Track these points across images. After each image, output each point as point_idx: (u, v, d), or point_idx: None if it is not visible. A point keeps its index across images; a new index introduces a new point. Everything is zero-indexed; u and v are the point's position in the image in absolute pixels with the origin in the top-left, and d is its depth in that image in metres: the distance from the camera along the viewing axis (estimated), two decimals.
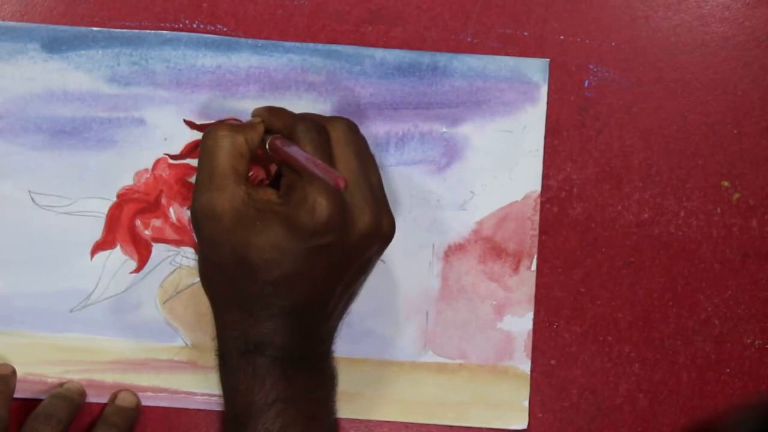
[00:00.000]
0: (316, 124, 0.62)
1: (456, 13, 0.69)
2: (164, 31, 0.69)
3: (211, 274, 0.63)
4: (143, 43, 0.69)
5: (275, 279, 0.60)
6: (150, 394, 0.68)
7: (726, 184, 0.70)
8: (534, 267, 0.69)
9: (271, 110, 0.64)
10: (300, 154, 0.59)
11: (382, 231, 0.62)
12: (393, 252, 0.69)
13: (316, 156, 0.60)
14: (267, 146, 0.62)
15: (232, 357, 0.61)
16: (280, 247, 0.59)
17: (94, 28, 0.69)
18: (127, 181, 0.69)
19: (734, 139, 0.70)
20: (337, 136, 0.62)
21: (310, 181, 0.59)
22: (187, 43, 0.69)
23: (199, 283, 0.64)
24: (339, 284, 0.62)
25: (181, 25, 0.69)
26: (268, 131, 0.63)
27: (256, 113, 0.64)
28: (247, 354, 0.61)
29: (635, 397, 0.69)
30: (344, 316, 0.65)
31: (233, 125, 0.63)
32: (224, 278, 0.61)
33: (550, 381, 0.69)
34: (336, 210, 0.59)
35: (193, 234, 0.63)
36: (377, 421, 0.69)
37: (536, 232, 0.69)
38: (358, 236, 0.61)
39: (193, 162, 0.69)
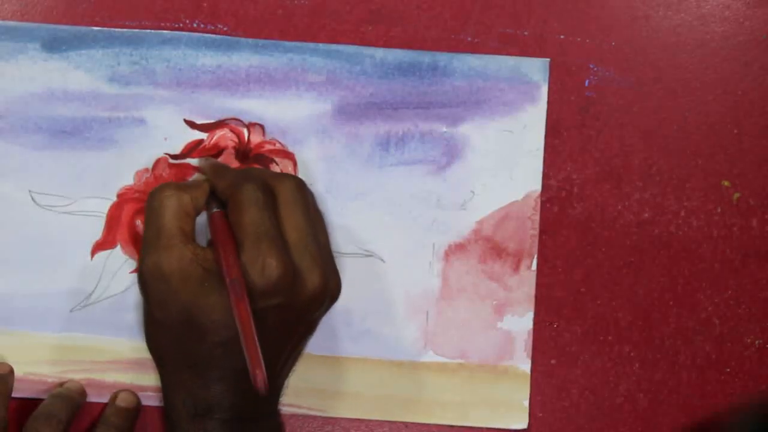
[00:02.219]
0: (262, 183, 0.61)
1: (456, 13, 0.69)
2: (164, 31, 0.69)
3: (159, 334, 0.62)
4: (143, 43, 0.69)
5: (224, 340, 0.59)
6: (150, 394, 0.68)
7: (726, 184, 0.70)
8: (534, 267, 0.69)
9: (216, 168, 0.63)
10: (233, 269, 0.58)
11: (330, 291, 0.62)
12: (393, 252, 0.69)
13: (263, 216, 0.59)
14: (207, 215, 0.62)
15: (182, 421, 0.60)
16: (228, 309, 0.58)
17: (94, 28, 0.69)
18: (128, 180, 0.69)
19: (734, 139, 0.70)
20: (285, 196, 0.61)
21: (257, 241, 0.58)
22: (187, 43, 0.69)
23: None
24: (288, 344, 0.62)
25: (181, 25, 0.69)
26: (212, 191, 0.62)
27: (202, 168, 0.64)
28: (197, 418, 0.60)
29: (635, 397, 0.69)
30: (290, 374, 0.64)
31: (179, 185, 0.62)
32: (172, 339, 0.60)
33: (550, 381, 0.69)
34: (286, 271, 0.58)
35: (141, 294, 0.62)
36: (377, 421, 0.69)
37: (536, 232, 0.69)
38: (306, 297, 0.60)
39: (194, 162, 0.69)
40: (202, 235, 0.64)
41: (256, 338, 0.56)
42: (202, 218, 0.63)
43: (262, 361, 0.55)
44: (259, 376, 0.55)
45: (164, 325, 0.60)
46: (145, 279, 0.60)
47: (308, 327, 0.63)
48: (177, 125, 0.69)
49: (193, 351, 0.60)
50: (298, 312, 0.61)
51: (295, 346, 0.63)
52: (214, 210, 0.62)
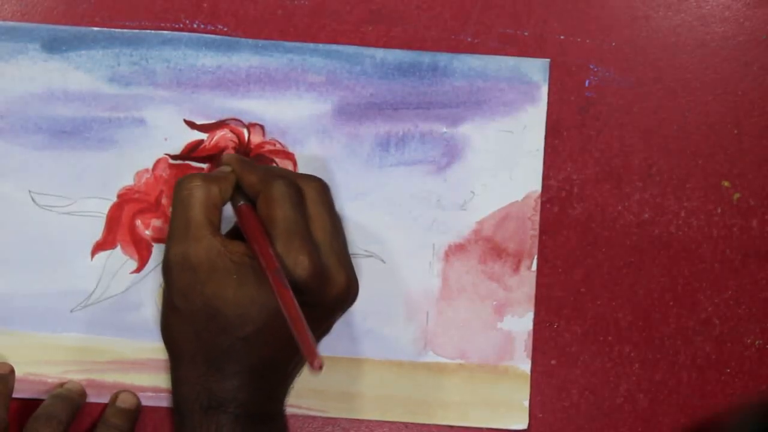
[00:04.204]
0: (292, 181, 0.61)
1: (456, 13, 0.69)
2: (164, 31, 0.69)
3: (178, 325, 0.61)
4: (143, 43, 0.69)
5: (247, 334, 0.59)
6: (150, 394, 0.68)
7: (726, 184, 0.70)
8: (534, 267, 0.69)
9: (242, 163, 0.63)
10: (267, 254, 0.57)
11: (352, 294, 0.62)
12: (393, 252, 0.69)
13: (296, 213, 0.59)
14: (234, 208, 0.62)
15: (194, 415, 0.60)
16: (256, 303, 0.58)
17: (95, 28, 0.69)
18: (128, 181, 0.69)
19: (734, 139, 0.70)
20: (312, 196, 0.61)
21: (290, 238, 0.58)
22: (187, 43, 0.69)
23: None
24: None
25: (181, 25, 0.69)
26: (238, 185, 0.62)
27: (227, 161, 0.63)
28: (210, 411, 0.59)
29: (635, 397, 0.69)
30: (297, 376, 0.64)
31: (206, 176, 0.62)
32: (192, 331, 0.60)
33: (550, 381, 0.69)
34: (316, 269, 0.58)
35: (164, 283, 0.61)
36: (377, 421, 0.69)
37: (536, 232, 0.69)
38: (332, 298, 0.60)
39: (194, 162, 0.69)
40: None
41: (305, 323, 0.55)
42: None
43: (316, 345, 0.54)
44: (316, 362, 0.53)
45: (185, 316, 0.60)
46: (171, 268, 0.60)
47: (326, 328, 0.63)
48: (177, 125, 0.69)
49: (214, 344, 0.59)
50: (322, 312, 0.61)
51: None
52: (242, 203, 0.61)
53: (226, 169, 0.63)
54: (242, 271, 0.59)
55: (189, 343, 0.60)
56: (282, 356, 0.60)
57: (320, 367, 0.53)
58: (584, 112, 0.70)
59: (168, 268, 0.60)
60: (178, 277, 0.60)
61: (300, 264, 0.58)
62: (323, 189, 0.62)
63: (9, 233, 0.68)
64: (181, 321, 0.61)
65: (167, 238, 0.61)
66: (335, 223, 0.62)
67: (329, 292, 0.60)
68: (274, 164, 0.68)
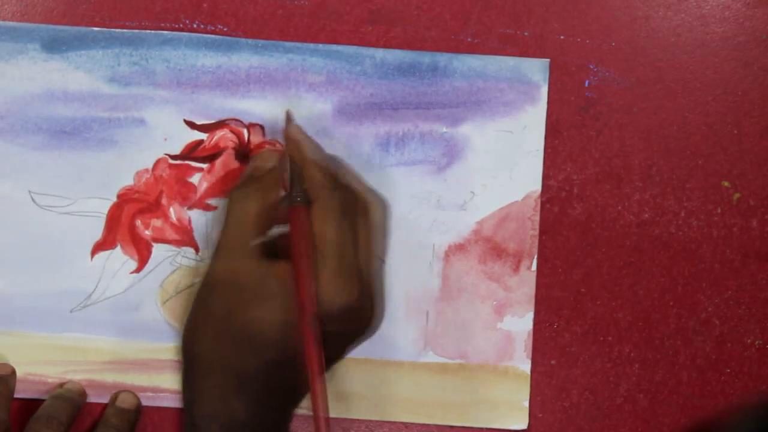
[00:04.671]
0: (357, 197, 0.59)
1: (456, 13, 0.69)
2: (164, 31, 0.69)
3: (210, 341, 0.59)
4: (143, 43, 0.69)
5: (279, 359, 0.58)
6: (150, 394, 0.68)
7: (726, 184, 0.70)
8: (534, 267, 0.69)
9: (310, 150, 0.60)
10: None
11: (374, 327, 0.61)
12: (393, 252, 0.69)
13: (349, 237, 0.56)
14: (287, 204, 0.59)
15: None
16: (290, 328, 0.57)
17: (94, 28, 0.69)
18: (128, 181, 0.69)
19: (734, 139, 0.70)
20: (373, 219, 0.59)
21: (338, 263, 0.56)
22: (187, 43, 0.69)
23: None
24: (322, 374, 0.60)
25: (181, 25, 0.69)
26: (293, 168, 0.60)
27: (291, 139, 0.60)
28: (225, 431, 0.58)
29: (635, 397, 0.69)
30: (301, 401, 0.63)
31: (260, 186, 0.59)
32: (223, 347, 0.58)
33: (550, 381, 0.69)
34: (357, 302, 0.57)
35: (198, 293, 0.59)
36: (377, 421, 0.69)
37: (536, 232, 0.69)
38: (361, 329, 0.60)
39: (194, 162, 0.69)
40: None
41: (326, 394, 0.55)
42: None
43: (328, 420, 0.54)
44: None
45: (220, 333, 0.58)
46: (215, 284, 0.59)
47: (342, 356, 0.62)
48: (177, 125, 0.69)
49: (243, 365, 0.58)
50: (347, 341, 0.60)
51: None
52: (297, 202, 0.58)
53: (272, 158, 0.60)
54: (287, 297, 0.57)
55: (217, 361, 0.59)
56: (297, 384, 0.59)
57: None
58: (584, 112, 0.70)
59: (212, 284, 0.59)
60: (220, 294, 0.58)
61: (340, 294, 0.57)
62: (387, 214, 0.61)
63: (9, 233, 0.68)
64: (213, 337, 0.59)
65: (215, 251, 0.59)
66: (383, 248, 0.60)
67: (360, 323, 0.59)
68: None
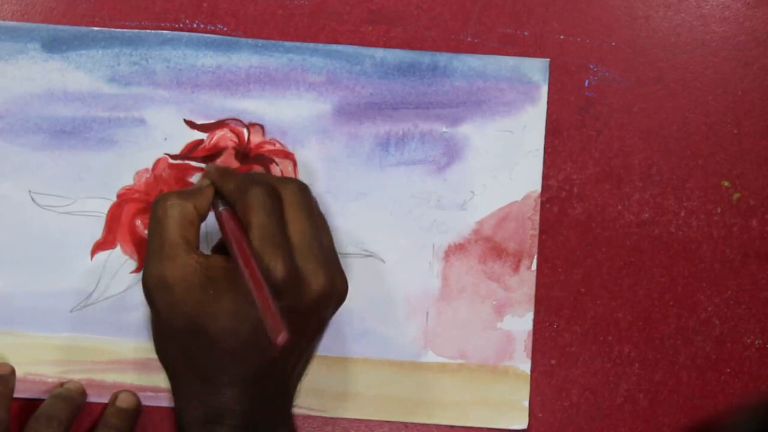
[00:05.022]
0: (267, 187, 0.61)
1: (456, 13, 0.69)
2: (164, 31, 0.69)
3: (167, 345, 0.61)
4: (143, 43, 0.69)
5: (233, 347, 0.59)
6: (150, 394, 0.68)
7: (726, 184, 0.70)
8: (534, 267, 0.69)
9: (222, 172, 0.63)
10: (245, 256, 0.58)
11: (336, 292, 0.62)
12: (393, 252, 0.69)
13: (270, 220, 0.59)
14: (216, 214, 0.62)
15: (193, 429, 0.60)
16: (236, 315, 0.58)
17: (94, 28, 0.69)
18: (127, 181, 0.69)
19: (734, 139, 0.70)
20: (289, 199, 0.61)
21: (263, 244, 0.58)
22: (187, 43, 0.69)
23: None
24: (296, 348, 0.61)
25: (181, 25, 0.69)
26: (218, 193, 0.62)
27: (207, 173, 0.64)
28: (209, 425, 0.59)
29: (635, 397, 0.69)
30: (302, 378, 0.64)
31: (181, 193, 0.62)
32: (181, 349, 0.60)
33: (550, 381, 0.69)
34: (290, 273, 0.58)
35: (148, 305, 0.61)
36: (377, 421, 0.69)
37: (536, 232, 0.69)
38: (311, 299, 0.60)
39: (193, 162, 0.69)
40: (204, 243, 0.64)
41: (270, 296, 0.56)
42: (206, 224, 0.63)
43: (282, 319, 0.55)
44: (281, 337, 0.54)
45: (172, 335, 0.60)
46: (150, 289, 0.60)
47: (316, 329, 0.63)
48: (177, 125, 0.69)
49: (202, 359, 0.59)
50: (304, 314, 0.61)
51: (304, 349, 0.63)
52: (222, 208, 0.62)
53: (205, 182, 0.63)
54: (220, 285, 0.59)
55: (180, 361, 0.60)
56: (274, 364, 0.60)
57: (285, 342, 0.54)
58: (584, 112, 0.70)
59: (147, 290, 0.60)
60: (159, 298, 0.60)
61: (273, 268, 0.58)
62: (300, 191, 0.62)
63: (9, 233, 0.68)
64: (168, 340, 0.61)
65: (144, 260, 0.61)
66: (314, 224, 0.61)
67: (307, 294, 0.60)
68: (275, 164, 0.68)
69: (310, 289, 0.60)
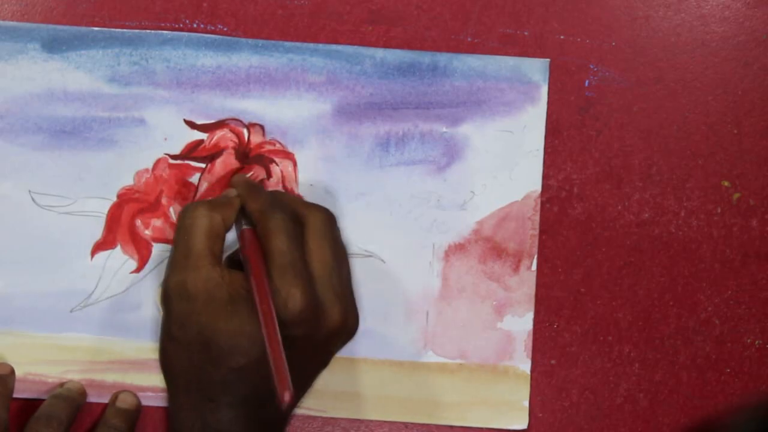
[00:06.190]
0: (292, 212, 0.61)
1: (456, 13, 0.69)
2: (164, 31, 0.69)
3: (174, 353, 0.61)
4: (143, 43, 0.69)
5: (240, 366, 0.59)
6: (150, 394, 0.68)
7: (726, 184, 0.70)
8: (534, 267, 0.69)
9: (250, 188, 0.63)
10: (262, 287, 0.58)
11: (349, 327, 0.62)
12: (393, 252, 0.69)
13: (291, 247, 0.59)
14: (237, 232, 0.62)
15: None
16: (248, 335, 0.58)
17: (94, 28, 0.69)
18: (128, 181, 0.69)
19: (734, 139, 0.70)
20: (314, 228, 0.61)
21: (283, 271, 0.59)
22: (187, 43, 0.69)
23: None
24: (301, 377, 0.61)
25: (181, 25, 0.69)
26: (243, 208, 0.63)
27: (234, 183, 0.64)
28: None
29: (635, 397, 0.69)
30: (298, 406, 0.64)
31: (211, 203, 0.62)
32: (187, 359, 0.60)
33: (550, 381, 0.69)
34: (309, 304, 0.58)
35: (161, 311, 0.61)
36: (377, 421, 0.69)
37: (536, 232, 0.69)
38: (326, 331, 0.60)
39: (193, 162, 0.69)
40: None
41: (282, 351, 0.56)
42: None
43: (289, 377, 0.55)
44: (287, 394, 0.54)
45: (181, 345, 0.60)
46: (169, 297, 0.60)
47: (323, 361, 0.63)
48: (177, 125, 0.69)
49: (207, 374, 0.59)
50: (316, 345, 0.61)
51: (308, 379, 0.63)
52: (245, 227, 0.62)
53: (232, 193, 0.63)
54: (237, 302, 0.59)
55: (184, 373, 0.61)
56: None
57: (290, 400, 0.54)
58: (584, 112, 0.70)
59: (167, 296, 0.61)
60: (176, 306, 0.60)
61: (291, 298, 0.58)
62: (328, 221, 0.62)
63: (9, 233, 0.68)
64: (177, 350, 0.61)
65: (168, 266, 0.61)
66: (337, 256, 0.61)
67: (323, 325, 0.60)
68: (275, 164, 0.68)
69: (325, 322, 0.60)
